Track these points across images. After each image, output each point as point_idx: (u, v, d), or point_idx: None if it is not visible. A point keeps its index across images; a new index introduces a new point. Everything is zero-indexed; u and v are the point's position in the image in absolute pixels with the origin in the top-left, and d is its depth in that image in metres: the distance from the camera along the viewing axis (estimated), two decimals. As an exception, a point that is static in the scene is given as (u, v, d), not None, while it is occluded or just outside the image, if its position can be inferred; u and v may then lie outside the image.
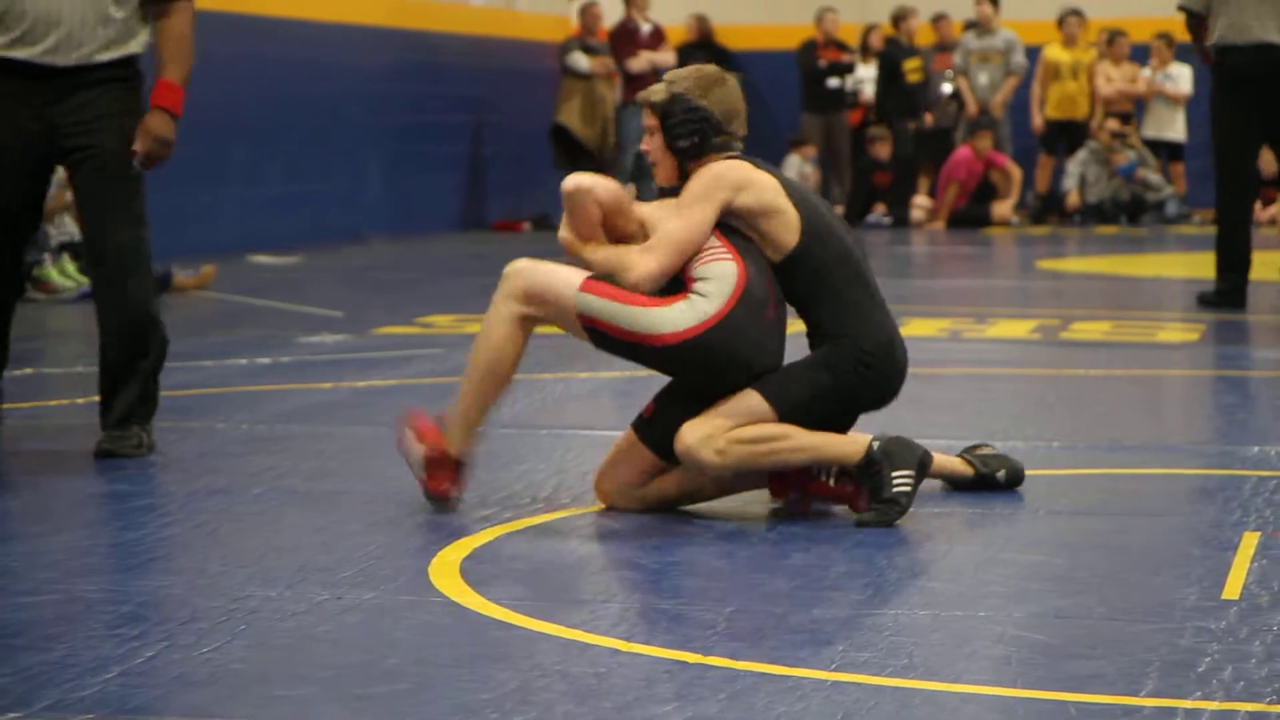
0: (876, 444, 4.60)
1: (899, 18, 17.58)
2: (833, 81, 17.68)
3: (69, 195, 9.36)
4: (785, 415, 4.63)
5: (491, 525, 4.63)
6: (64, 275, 10.49)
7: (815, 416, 4.66)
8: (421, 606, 3.87)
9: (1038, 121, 17.31)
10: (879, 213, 17.49)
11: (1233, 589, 3.95)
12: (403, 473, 5.38)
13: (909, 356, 4.78)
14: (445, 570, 4.16)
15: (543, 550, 4.45)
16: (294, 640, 3.62)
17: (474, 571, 4.16)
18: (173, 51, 5.86)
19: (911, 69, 17.46)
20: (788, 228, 4.70)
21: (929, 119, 17.51)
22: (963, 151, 17.13)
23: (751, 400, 4.63)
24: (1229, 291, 9.48)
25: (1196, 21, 9.54)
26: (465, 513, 4.77)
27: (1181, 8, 9.61)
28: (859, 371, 4.66)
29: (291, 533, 4.58)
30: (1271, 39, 9.32)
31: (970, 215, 16.95)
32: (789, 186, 4.76)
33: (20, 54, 5.72)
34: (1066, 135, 17.31)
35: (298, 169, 14.60)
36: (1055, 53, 17.20)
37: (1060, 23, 17.29)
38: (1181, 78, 17.19)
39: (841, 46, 17.82)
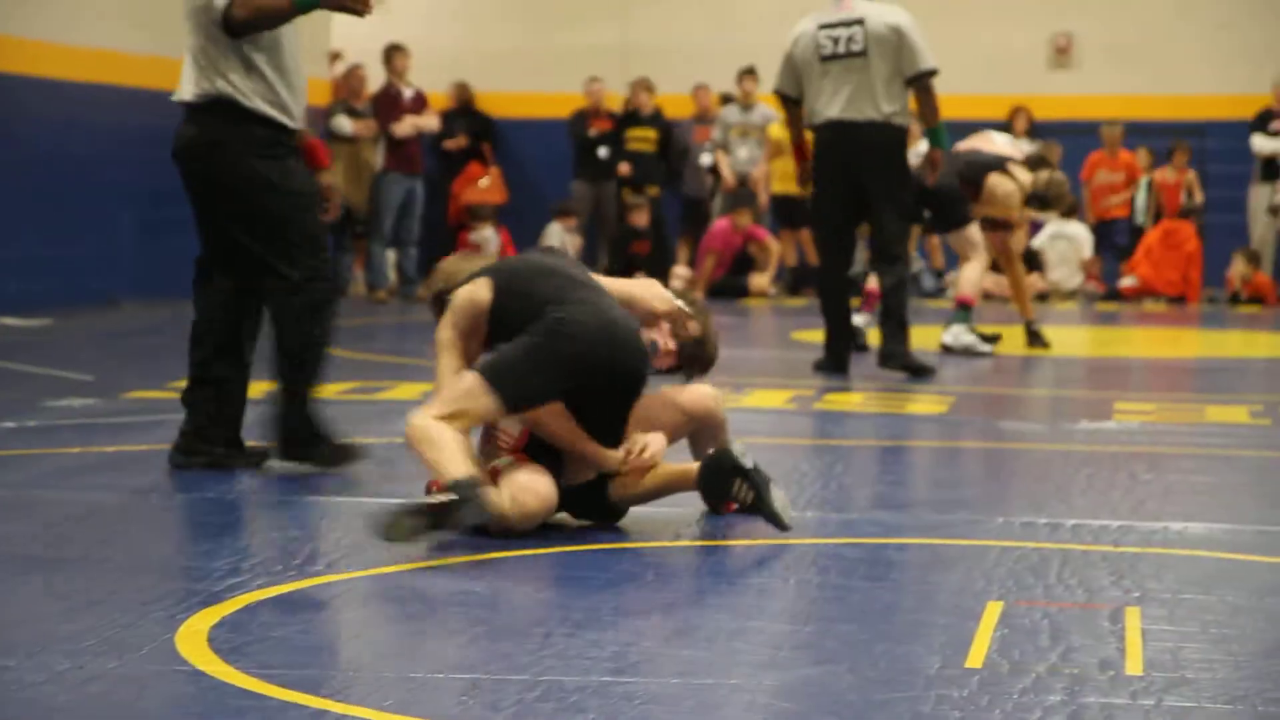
0: None
1: (636, 89, 17.86)
2: (602, 151, 17.81)
3: None
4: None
5: (242, 593, 4.56)
6: None
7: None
8: (167, 676, 3.80)
9: (763, 198, 17.58)
10: (638, 281, 17.62)
11: (975, 657, 4.03)
12: (152, 540, 5.30)
13: None
14: (193, 639, 4.09)
15: (294, 618, 4.40)
16: (32, 712, 3.53)
17: (222, 640, 4.09)
18: None
19: (635, 138, 17.71)
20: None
21: (651, 191, 17.74)
22: (721, 224, 17.35)
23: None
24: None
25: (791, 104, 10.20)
26: (215, 580, 4.70)
27: (776, 91, 10.28)
28: (555, 330, 5.19)
29: (32, 601, 4.47)
30: (840, 116, 9.90)
31: (729, 286, 17.16)
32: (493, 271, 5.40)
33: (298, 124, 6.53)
34: (795, 209, 17.54)
35: (49, 230, 14.31)
36: (775, 130, 17.50)
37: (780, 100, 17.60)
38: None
39: (611, 116, 17.98)
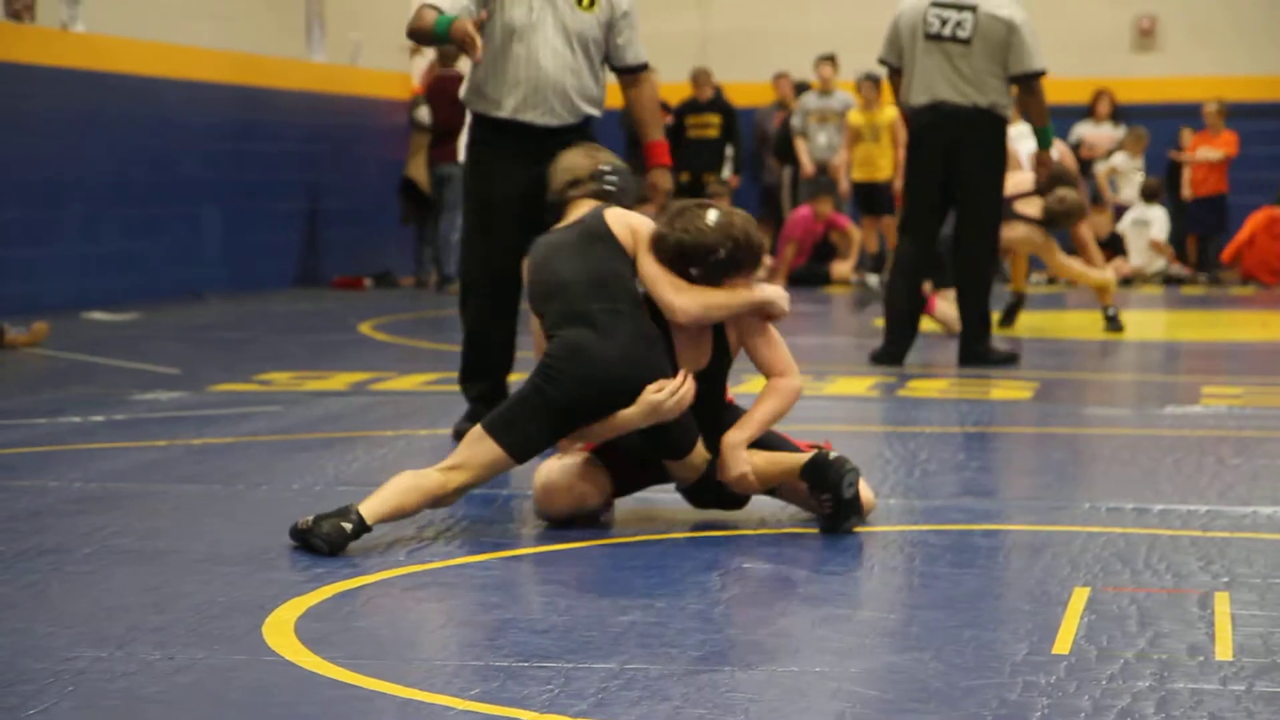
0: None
1: (694, 77, 17.87)
2: None
3: None
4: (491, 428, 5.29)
5: (327, 584, 4.59)
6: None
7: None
8: (255, 666, 3.83)
9: (844, 185, 17.50)
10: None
11: (1063, 644, 4.00)
12: (239, 531, 5.35)
13: None
14: (280, 629, 4.12)
15: (378, 608, 4.42)
16: (123, 701, 3.56)
17: (309, 630, 4.12)
18: (654, 115, 7.08)
19: (697, 124, 17.72)
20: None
21: (732, 180, 17.71)
22: (801, 212, 17.30)
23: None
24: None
25: (894, 75, 9.92)
26: (301, 571, 4.74)
27: (880, 60, 9.96)
28: (542, 377, 5.28)
29: (122, 592, 4.51)
30: (941, 98, 9.66)
31: (810, 274, 17.12)
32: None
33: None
34: (875, 196, 17.45)
35: (134, 225, 14.44)
36: (854, 116, 17.41)
37: (858, 87, 17.52)
38: (1022, 136, 17.50)
39: (665, 108, 17.95)
